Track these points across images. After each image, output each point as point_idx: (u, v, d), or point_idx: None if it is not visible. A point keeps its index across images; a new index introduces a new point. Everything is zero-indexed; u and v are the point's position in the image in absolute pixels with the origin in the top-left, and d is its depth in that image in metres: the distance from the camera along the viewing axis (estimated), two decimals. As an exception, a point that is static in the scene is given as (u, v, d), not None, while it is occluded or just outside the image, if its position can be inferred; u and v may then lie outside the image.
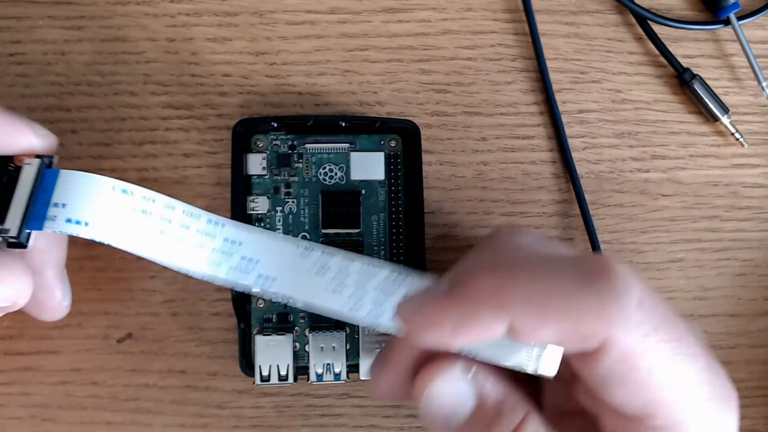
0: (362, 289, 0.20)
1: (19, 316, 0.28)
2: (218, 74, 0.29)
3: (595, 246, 0.29)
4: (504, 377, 0.21)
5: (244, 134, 0.27)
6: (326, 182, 0.28)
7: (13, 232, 0.19)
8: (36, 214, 0.19)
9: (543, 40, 0.30)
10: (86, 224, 0.19)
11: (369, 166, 0.28)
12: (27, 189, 0.19)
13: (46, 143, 0.22)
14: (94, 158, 0.28)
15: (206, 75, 0.29)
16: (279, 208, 0.28)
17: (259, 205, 0.27)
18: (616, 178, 0.30)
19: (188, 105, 0.29)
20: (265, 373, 0.26)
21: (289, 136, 0.28)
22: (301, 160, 0.28)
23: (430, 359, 0.20)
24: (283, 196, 0.28)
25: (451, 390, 0.20)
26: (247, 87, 0.29)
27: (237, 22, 0.29)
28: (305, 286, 0.21)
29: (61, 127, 0.28)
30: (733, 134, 0.30)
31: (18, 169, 0.20)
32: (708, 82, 0.30)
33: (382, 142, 0.28)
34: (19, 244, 0.19)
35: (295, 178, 0.28)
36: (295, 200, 0.28)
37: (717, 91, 0.30)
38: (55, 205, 0.19)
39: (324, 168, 0.28)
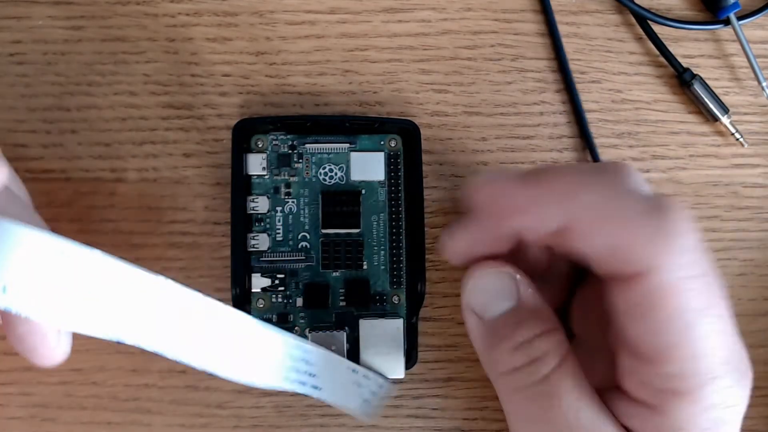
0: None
1: (19, 316, 0.28)
2: (218, 74, 0.29)
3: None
4: (544, 294, 0.23)
5: (244, 134, 0.27)
6: (326, 182, 0.28)
7: None
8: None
9: (543, 40, 0.30)
10: (18, 295, 0.16)
11: (369, 166, 0.28)
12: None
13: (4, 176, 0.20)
14: (94, 158, 0.28)
15: (206, 75, 0.29)
16: (279, 208, 0.28)
17: (259, 205, 0.27)
18: (616, 178, 0.30)
19: (188, 105, 0.29)
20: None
21: (289, 136, 0.28)
22: (301, 160, 0.28)
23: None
24: (283, 196, 0.28)
25: (498, 283, 0.23)
26: (247, 87, 0.29)
27: (237, 22, 0.29)
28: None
29: (61, 127, 0.28)
30: (733, 134, 0.30)
31: None
32: (708, 82, 0.30)
33: (382, 142, 0.28)
34: None
35: (295, 178, 0.28)
36: (295, 200, 0.28)
37: (717, 91, 0.30)
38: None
39: (324, 168, 0.28)
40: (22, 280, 0.16)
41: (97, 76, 0.29)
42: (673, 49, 0.30)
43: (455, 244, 0.24)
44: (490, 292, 0.23)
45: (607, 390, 0.22)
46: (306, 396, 0.28)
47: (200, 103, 0.29)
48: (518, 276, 0.23)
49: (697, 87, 0.30)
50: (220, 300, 0.28)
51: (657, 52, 0.31)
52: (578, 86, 0.30)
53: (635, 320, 0.20)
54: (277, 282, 0.27)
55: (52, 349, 0.22)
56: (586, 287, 0.25)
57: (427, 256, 0.27)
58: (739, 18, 0.30)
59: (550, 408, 0.21)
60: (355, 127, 0.28)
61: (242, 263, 0.27)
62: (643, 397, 0.21)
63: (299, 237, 0.28)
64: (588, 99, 0.30)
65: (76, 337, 0.28)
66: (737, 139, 0.30)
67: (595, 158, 0.30)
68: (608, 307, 0.21)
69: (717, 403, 0.20)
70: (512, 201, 0.21)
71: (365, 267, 0.28)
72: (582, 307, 0.25)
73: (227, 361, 0.19)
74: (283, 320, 0.27)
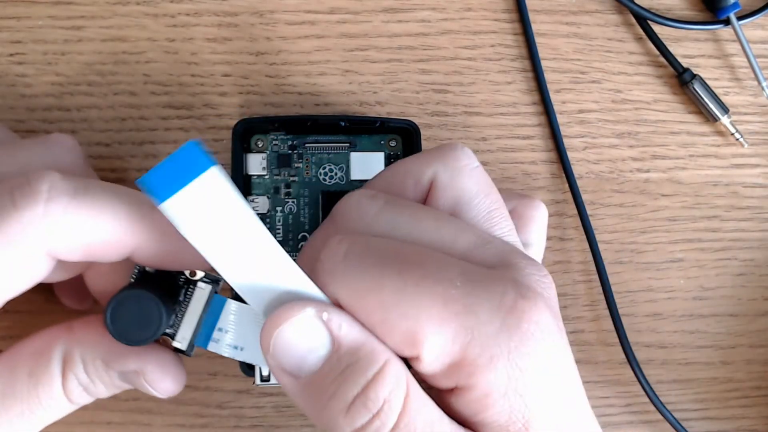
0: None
1: (19, 316, 0.28)
2: (218, 74, 0.29)
3: (593, 246, 0.29)
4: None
5: (244, 134, 0.27)
6: (326, 182, 0.28)
7: (183, 347, 0.22)
8: (203, 334, 0.22)
9: (543, 40, 0.30)
10: (242, 349, 0.22)
11: (369, 166, 0.28)
12: (198, 310, 0.22)
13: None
14: (94, 158, 0.28)
15: (206, 75, 0.29)
16: (279, 208, 0.28)
17: (259, 205, 0.27)
18: (616, 178, 0.30)
19: (188, 105, 0.29)
20: (265, 373, 0.26)
21: (289, 136, 0.28)
22: (301, 160, 0.28)
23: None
24: (283, 196, 0.28)
25: (303, 333, 0.19)
26: (247, 87, 0.29)
27: (237, 22, 0.29)
28: None
29: (61, 127, 0.28)
30: (733, 134, 0.30)
31: (188, 283, 0.22)
32: (708, 82, 0.30)
33: (382, 142, 0.28)
34: (183, 352, 0.22)
35: (295, 178, 0.28)
36: (295, 200, 0.28)
37: (717, 91, 0.30)
38: (219, 329, 0.22)
39: (324, 168, 0.28)
40: (251, 342, 0.22)
41: (97, 76, 0.29)
42: (673, 49, 0.30)
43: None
44: (298, 344, 0.19)
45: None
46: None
47: (200, 103, 0.29)
48: (325, 313, 0.19)
49: (697, 87, 0.30)
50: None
51: (657, 52, 0.31)
52: (578, 86, 0.30)
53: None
54: (277, 282, 0.27)
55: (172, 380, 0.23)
56: None
57: (427, 256, 0.27)
58: (739, 18, 0.30)
59: None
60: (355, 127, 0.28)
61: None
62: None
63: (299, 237, 0.28)
64: (588, 99, 0.30)
65: (76, 337, 0.28)
66: (737, 139, 0.30)
67: (565, 163, 0.30)
68: None
69: (494, 354, 0.18)
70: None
71: (365, 267, 0.28)
72: None
73: None
74: (283, 320, 0.27)
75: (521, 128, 0.30)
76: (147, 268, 0.22)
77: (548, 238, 0.29)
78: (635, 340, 0.29)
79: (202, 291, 0.22)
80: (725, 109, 0.30)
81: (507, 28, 0.30)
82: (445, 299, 0.18)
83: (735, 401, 0.30)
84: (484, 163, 0.30)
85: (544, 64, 0.30)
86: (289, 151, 0.28)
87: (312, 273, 0.19)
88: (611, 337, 0.29)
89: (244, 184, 0.27)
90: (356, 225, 0.20)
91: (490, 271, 0.19)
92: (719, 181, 0.31)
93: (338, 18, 0.30)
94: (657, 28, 0.30)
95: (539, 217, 0.24)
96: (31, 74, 0.29)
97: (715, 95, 0.30)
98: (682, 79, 0.30)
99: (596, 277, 0.29)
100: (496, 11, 0.30)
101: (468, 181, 0.21)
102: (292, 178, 0.28)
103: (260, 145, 0.28)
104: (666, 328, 0.30)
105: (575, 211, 0.30)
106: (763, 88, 0.30)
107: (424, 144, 0.28)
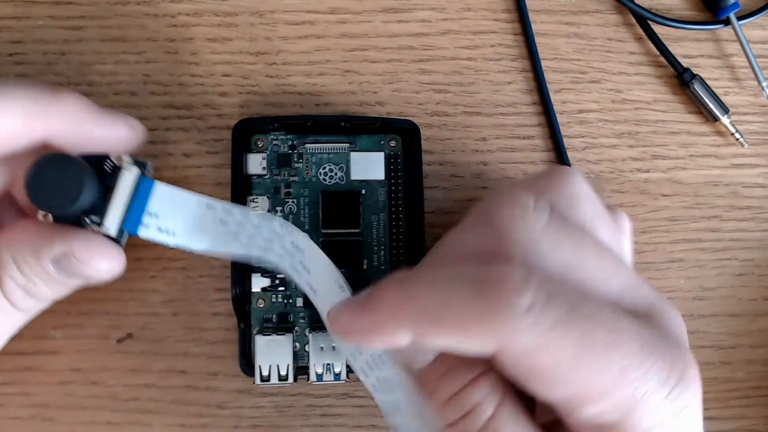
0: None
1: (19, 316, 0.28)
2: (218, 74, 0.29)
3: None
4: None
5: (244, 134, 0.27)
6: (326, 182, 0.28)
7: (113, 233, 0.22)
8: (132, 219, 0.21)
9: (543, 40, 0.30)
10: (173, 233, 0.22)
11: (369, 166, 0.28)
12: (126, 194, 0.22)
13: (141, 136, 0.23)
14: (94, 158, 0.28)
15: (206, 75, 0.29)
16: (279, 208, 0.28)
17: (259, 205, 0.27)
18: (616, 178, 0.30)
19: (188, 105, 0.29)
20: (265, 373, 0.26)
21: (289, 136, 0.28)
22: (301, 160, 0.28)
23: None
24: (283, 196, 0.28)
25: None
26: (247, 87, 0.29)
27: (237, 22, 0.29)
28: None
29: (61, 127, 0.28)
30: (733, 134, 0.30)
31: (115, 170, 0.22)
32: (708, 82, 0.30)
33: (382, 142, 0.28)
34: (115, 240, 0.22)
35: (295, 178, 0.28)
36: (295, 200, 0.28)
37: (717, 91, 0.30)
38: (149, 214, 0.22)
39: (324, 168, 0.28)
40: (185, 227, 0.22)
41: (97, 76, 0.29)
42: (673, 49, 0.30)
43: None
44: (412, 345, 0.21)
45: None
46: (305, 396, 0.28)
47: (200, 103, 0.29)
48: None
49: (697, 87, 0.30)
50: (220, 299, 0.28)
51: (657, 52, 0.31)
52: (578, 86, 0.30)
53: (530, 385, 0.19)
54: (277, 282, 0.27)
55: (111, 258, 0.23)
56: None
57: (427, 256, 0.27)
58: (739, 18, 0.30)
59: None
60: (355, 127, 0.28)
61: (242, 263, 0.27)
62: None
63: (299, 237, 0.28)
64: (588, 99, 0.30)
65: (76, 337, 0.28)
66: (737, 139, 0.30)
67: (564, 160, 0.30)
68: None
69: (652, 424, 0.18)
70: (358, 332, 0.21)
71: (365, 267, 0.28)
72: None
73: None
74: (283, 320, 0.27)
75: (521, 128, 0.30)
76: None
77: (548, 238, 0.29)
78: (635, 340, 0.29)
79: (129, 173, 0.22)
80: (725, 109, 0.30)
81: (507, 28, 0.30)
82: (622, 368, 0.18)
83: (735, 401, 0.30)
84: (483, 164, 0.30)
85: (544, 64, 0.30)
86: (289, 151, 0.28)
87: (479, 301, 0.18)
88: (611, 337, 0.29)
89: (244, 184, 0.27)
90: (521, 238, 0.19)
91: (659, 337, 0.19)
92: (719, 181, 0.31)
93: (338, 18, 0.30)
94: (657, 28, 0.30)
95: (628, 230, 0.24)
96: (31, 74, 0.29)
97: (715, 95, 0.30)
98: (682, 79, 0.30)
99: (596, 277, 0.29)
100: (496, 11, 0.30)
101: (588, 209, 0.21)
102: (292, 178, 0.28)
103: (260, 145, 0.28)
104: (666, 328, 0.30)
105: (575, 211, 0.30)
106: (763, 88, 0.30)
107: (424, 144, 0.28)
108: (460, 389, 0.20)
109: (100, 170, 0.22)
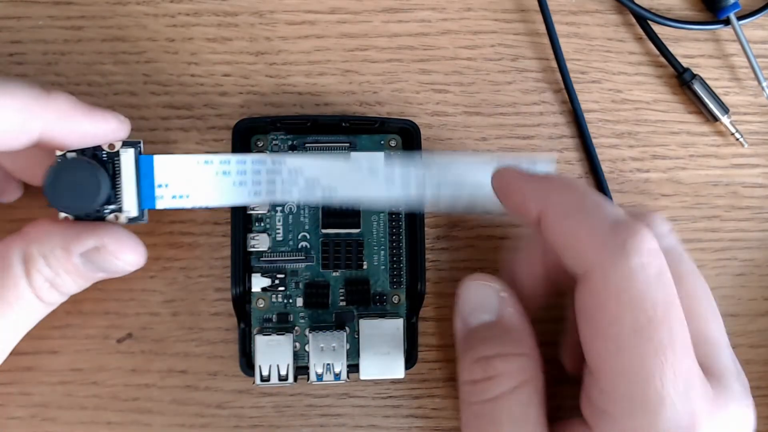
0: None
1: (19, 316, 0.28)
2: (218, 74, 0.29)
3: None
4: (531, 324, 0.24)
5: (244, 134, 0.27)
6: (326, 182, 0.28)
7: (135, 213, 0.23)
8: (146, 195, 0.23)
9: (543, 40, 0.30)
10: (188, 196, 0.24)
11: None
12: (131, 175, 0.23)
13: (127, 128, 0.24)
14: (94, 158, 0.28)
15: (206, 75, 0.29)
16: (279, 208, 0.28)
17: (260, 205, 0.27)
18: (616, 178, 0.30)
19: (188, 105, 0.29)
20: (265, 373, 0.26)
21: (289, 136, 0.28)
22: (301, 160, 0.28)
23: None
24: (283, 196, 0.28)
25: (483, 295, 0.24)
26: (247, 87, 0.29)
27: (237, 22, 0.29)
28: (356, 186, 0.25)
29: (61, 127, 0.28)
30: (733, 134, 0.30)
31: (111, 157, 0.23)
32: (708, 82, 0.30)
33: (382, 142, 0.28)
34: (137, 219, 0.23)
35: (295, 178, 0.28)
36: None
37: (717, 91, 0.30)
38: (160, 185, 0.23)
39: (324, 168, 0.28)
40: (195, 187, 0.24)
41: (97, 76, 0.29)
42: (673, 49, 0.30)
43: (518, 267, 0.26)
44: (476, 301, 0.24)
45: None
46: (305, 396, 0.28)
47: (200, 103, 0.29)
48: (504, 294, 0.24)
49: (697, 87, 0.30)
50: (219, 299, 0.28)
51: (657, 52, 0.31)
52: (578, 86, 0.30)
53: (582, 323, 0.20)
54: (277, 282, 0.27)
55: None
56: None
57: (427, 256, 0.27)
58: (739, 18, 0.30)
59: (490, 430, 0.22)
60: (355, 127, 0.28)
61: (242, 263, 0.27)
62: (586, 416, 0.21)
63: (299, 237, 0.28)
64: (588, 99, 0.30)
65: (76, 337, 0.28)
66: (737, 139, 0.30)
67: (593, 159, 0.30)
68: (572, 309, 0.22)
69: None
70: (513, 186, 0.23)
71: (365, 267, 0.28)
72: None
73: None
74: (283, 320, 0.27)
75: (521, 128, 0.30)
76: (67, 154, 0.23)
77: (548, 238, 0.29)
78: (635, 340, 0.29)
79: (127, 156, 0.23)
80: (725, 109, 0.30)
81: (507, 28, 0.30)
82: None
83: (735, 401, 0.30)
84: (484, 163, 0.30)
85: (544, 63, 0.30)
86: (289, 151, 0.28)
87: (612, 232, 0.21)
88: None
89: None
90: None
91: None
92: (719, 181, 0.31)
93: (338, 18, 0.30)
94: (657, 28, 0.30)
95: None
96: (31, 74, 0.29)
97: (715, 95, 0.30)
98: (682, 79, 0.30)
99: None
100: (496, 11, 0.30)
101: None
102: (292, 178, 0.28)
103: (260, 145, 0.28)
104: (666, 328, 0.30)
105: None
106: (763, 88, 0.30)
107: (424, 144, 0.28)
108: (494, 355, 0.22)
109: (99, 161, 0.23)
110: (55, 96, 0.22)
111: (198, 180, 0.23)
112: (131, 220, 0.23)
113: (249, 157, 0.25)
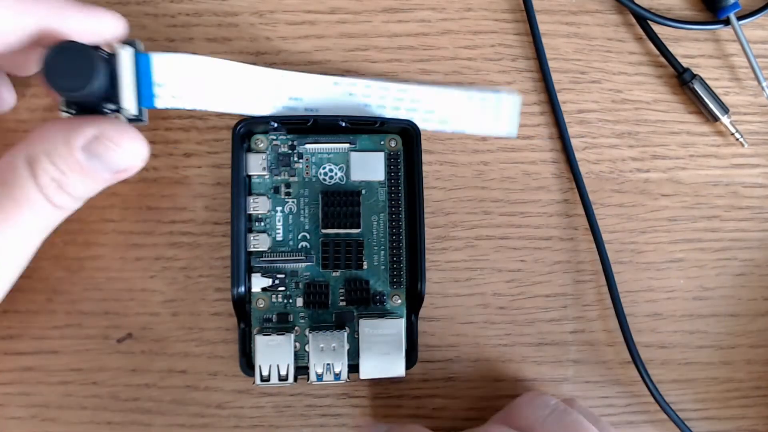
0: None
1: (19, 316, 0.28)
2: (218, 74, 0.29)
3: (599, 245, 0.29)
4: None
5: (244, 134, 0.27)
6: (326, 182, 0.28)
7: (134, 112, 0.23)
8: (145, 95, 0.23)
9: (543, 40, 0.30)
10: (187, 97, 0.24)
11: (369, 166, 0.28)
12: (130, 74, 0.23)
13: (123, 25, 0.24)
14: (94, 158, 0.28)
15: (206, 75, 0.29)
16: (279, 208, 0.28)
17: (260, 205, 0.27)
18: (616, 178, 0.30)
19: (188, 105, 0.29)
20: (265, 373, 0.26)
21: (289, 136, 0.28)
22: (301, 160, 0.28)
23: None
24: (283, 196, 0.28)
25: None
26: (247, 87, 0.29)
27: (237, 22, 0.29)
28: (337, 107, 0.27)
29: (61, 127, 0.28)
30: (733, 134, 0.30)
31: (110, 56, 0.23)
32: (708, 82, 0.30)
33: (382, 142, 0.28)
34: (137, 119, 0.24)
35: (295, 178, 0.28)
36: (295, 200, 0.28)
37: (717, 91, 0.30)
38: (158, 85, 0.23)
39: (324, 168, 0.28)
40: (190, 88, 0.24)
41: (97, 76, 0.29)
42: (673, 49, 0.30)
43: None
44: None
45: None
46: (305, 396, 0.28)
47: (200, 103, 0.29)
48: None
49: (697, 87, 0.30)
50: (219, 299, 0.28)
51: (657, 52, 0.31)
52: (578, 86, 0.30)
53: None
54: (277, 282, 0.27)
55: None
56: None
57: (427, 256, 0.27)
58: (739, 18, 0.30)
59: None
60: (355, 127, 0.28)
61: (242, 263, 0.27)
62: None
63: (299, 237, 0.28)
64: (588, 99, 0.30)
65: (76, 337, 0.28)
66: (737, 139, 0.30)
67: (572, 161, 0.30)
68: None
69: None
70: None
71: (365, 267, 0.28)
72: None
73: None
74: (283, 320, 0.27)
75: (521, 128, 0.30)
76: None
77: (548, 238, 0.29)
78: (635, 339, 0.29)
79: (125, 53, 0.23)
80: (725, 109, 0.30)
81: (507, 28, 0.30)
82: None
83: (735, 401, 0.30)
84: (484, 164, 0.30)
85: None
86: (289, 151, 0.28)
87: None
88: (612, 338, 0.29)
89: (245, 184, 0.27)
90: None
91: None
92: (719, 181, 0.31)
93: (338, 18, 0.30)
94: (657, 28, 0.30)
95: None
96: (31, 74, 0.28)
97: (715, 95, 0.30)
98: (682, 79, 0.30)
99: (596, 277, 0.29)
100: (496, 11, 0.30)
101: None
102: (292, 178, 0.28)
103: (260, 145, 0.28)
104: (666, 328, 0.30)
105: (575, 211, 0.30)
106: (763, 88, 0.30)
107: (424, 144, 0.28)
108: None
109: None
110: None
111: (196, 81, 0.24)
112: (132, 120, 0.24)
113: (242, 69, 0.25)
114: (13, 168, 0.22)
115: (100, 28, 0.23)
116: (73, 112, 0.23)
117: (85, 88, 0.22)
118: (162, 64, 0.23)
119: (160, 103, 0.24)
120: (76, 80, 0.21)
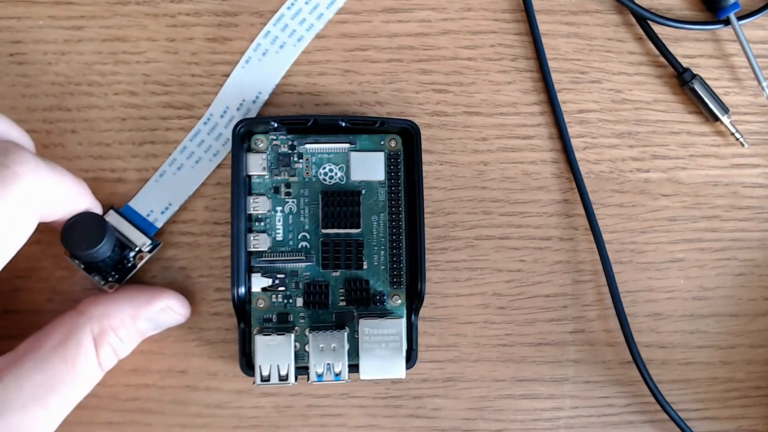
0: None
1: (20, 316, 0.28)
2: (218, 74, 0.29)
3: (599, 245, 0.29)
4: None
5: (244, 134, 0.27)
6: (326, 182, 0.28)
7: (149, 243, 0.27)
8: (146, 227, 0.28)
9: (543, 40, 0.30)
10: (172, 204, 0.28)
11: (369, 166, 0.28)
12: (125, 223, 0.27)
13: (96, 202, 0.26)
14: (94, 158, 0.28)
15: (206, 75, 0.29)
16: (279, 208, 0.28)
17: (260, 205, 0.27)
18: (616, 178, 0.30)
19: (188, 105, 0.29)
20: (265, 373, 0.26)
21: (289, 136, 0.28)
22: (301, 160, 0.28)
23: None
24: (283, 196, 0.28)
25: None
26: (247, 87, 0.29)
27: (237, 22, 0.29)
28: None
29: (61, 127, 0.28)
30: (733, 134, 0.30)
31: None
32: (708, 82, 0.30)
33: (382, 142, 0.28)
34: (156, 244, 0.28)
35: (295, 178, 0.28)
36: (295, 200, 0.28)
37: (717, 91, 0.30)
38: (148, 215, 0.28)
39: (324, 168, 0.28)
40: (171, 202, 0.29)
41: (97, 76, 0.29)
42: (673, 49, 0.30)
43: None
44: None
45: None
46: (305, 396, 0.28)
47: (200, 103, 0.29)
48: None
49: (697, 87, 0.30)
50: (219, 299, 0.28)
51: (657, 52, 0.31)
52: (578, 86, 0.30)
53: None
54: (277, 282, 0.27)
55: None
56: None
57: (426, 256, 0.27)
58: (739, 18, 0.30)
59: None
60: (355, 127, 0.28)
61: (242, 263, 0.27)
62: None
63: (299, 237, 0.28)
64: (588, 99, 0.30)
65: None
66: (737, 139, 0.30)
67: (572, 161, 0.30)
68: None
69: None
70: None
71: (365, 267, 0.28)
72: None
73: None
74: (283, 320, 0.27)
75: (521, 128, 0.30)
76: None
77: (548, 238, 0.29)
78: (635, 339, 0.29)
79: (112, 216, 0.27)
80: (725, 109, 0.30)
81: (507, 28, 0.30)
82: None
83: (735, 401, 0.30)
84: (484, 164, 0.30)
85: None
86: (289, 151, 0.28)
87: None
88: (612, 337, 0.29)
89: (245, 184, 0.27)
90: None
91: None
92: (719, 181, 0.31)
93: (338, 18, 0.30)
94: (657, 28, 0.30)
95: None
96: (31, 74, 0.29)
97: (715, 95, 0.30)
98: (682, 79, 0.30)
99: (596, 277, 0.29)
100: (496, 11, 0.30)
101: None
102: (292, 178, 0.28)
103: (260, 145, 0.28)
104: (666, 328, 0.30)
105: (575, 211, 0.30)
106: (763, 88, 0.30)
107: (424, 144, 0.28)
108: None
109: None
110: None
111: (169, 190, 0.28)
112: (152, 250, 0.27)
113: (188, 137, 0.29)
114: (77, 342, 0.24)
115: (80, 206, 0.25)
116: (116, 285, 0.27)
117: (96, 250, 0.25)
118: (139, 201, 0.28)
119: (160, 222, 0.28)
120: (89, 244, 0.25)
